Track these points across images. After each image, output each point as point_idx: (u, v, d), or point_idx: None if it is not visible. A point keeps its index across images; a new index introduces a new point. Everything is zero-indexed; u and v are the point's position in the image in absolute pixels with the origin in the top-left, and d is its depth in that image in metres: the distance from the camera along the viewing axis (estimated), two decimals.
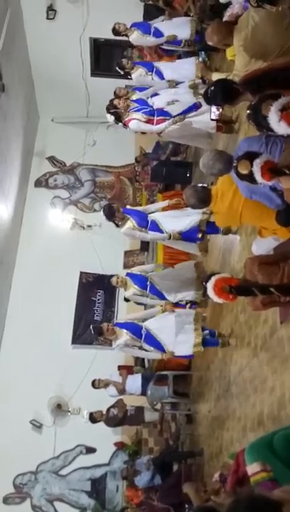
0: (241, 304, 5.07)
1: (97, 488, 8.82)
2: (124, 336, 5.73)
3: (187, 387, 7.35)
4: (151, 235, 5.96)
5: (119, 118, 6.61)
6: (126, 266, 9.50)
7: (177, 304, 6.12)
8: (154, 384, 7.19)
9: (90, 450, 8.98)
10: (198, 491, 4.40)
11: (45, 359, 9.10)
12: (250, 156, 3.08)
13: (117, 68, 7.27)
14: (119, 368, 8.39)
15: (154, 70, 6.90)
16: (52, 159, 11.07)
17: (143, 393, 7.36)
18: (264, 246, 4.04)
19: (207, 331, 5.71)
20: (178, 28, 7.07)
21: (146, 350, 5.86)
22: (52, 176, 11.05)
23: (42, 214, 10.49)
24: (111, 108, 6.75)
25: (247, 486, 2.94)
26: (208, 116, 5.52)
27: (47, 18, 9.31)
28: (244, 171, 3.10)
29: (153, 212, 6.05)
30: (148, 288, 6.12)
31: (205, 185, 4.58)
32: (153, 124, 6.36)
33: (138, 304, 7.02)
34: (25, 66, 10.01)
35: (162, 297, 6.14)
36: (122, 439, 8.76)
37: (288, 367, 3.84)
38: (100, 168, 11.09)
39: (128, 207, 6.53)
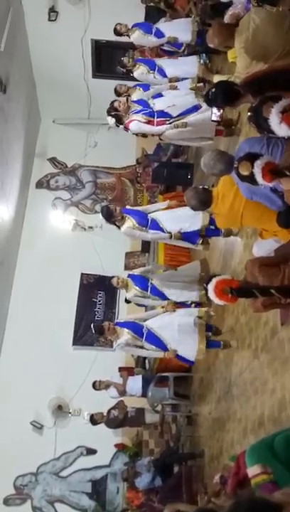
0: (242, 306, 5.07)
1: (98, 489, 8.80)
2: (125, 335, 5.66)
3: (187, 388, 7.35)
4: (151, 234, 5.91)
5: (119, 120, 6.61)
6: (127, 267, 9.50)
7: (180, 304, 6.06)
8: (155, 385, 7.19)
9: (91, 451, 8.96)
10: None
11: (46, 360, 9.10)
12: (251, 157, 3.09)
13: (119, 67, 7.28)
14: (120, 369, 8.38)
15: (156, 68, 6.91)
16: (53, 160, 11.08)
17: (144, 395, 7.35)
18: (264, 248, 4.04)
19: (209, 333, 5.67)
20: (180, 30, 7.07)
21: (147, 350, 5.83)
22: (53, 177, 11.05)
23: (43, 215, 10.50)
24: (111, 111, 6.75)
25: (248, 488, 2.94)
26: (209, 117, 5.52)
27: (49, 20, 9.32)
28: (245, 172, 3.10)
29: (153, 212, 6.03)
30: (149, 289, 6.10)
31: (206, 186, 4.58)
32: (153, 125, 6.35)
33: (139, 305, 7.01)
34: (27, 67, 10.03)
35: (164, 298, 6.09)
36: (123, 440, 8.74)
37: (289, 368, 3.84)
38: (101, 169, 11.10)
39: (128, 207, 6.52)
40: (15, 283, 9.92)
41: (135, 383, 7.50)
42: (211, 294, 4.50)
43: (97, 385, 7.44)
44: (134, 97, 6.87)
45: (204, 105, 5.86)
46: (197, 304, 6.16)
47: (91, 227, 10.23)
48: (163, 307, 5.97)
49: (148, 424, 7.76)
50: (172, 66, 6.89)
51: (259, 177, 3.02)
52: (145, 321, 5.88)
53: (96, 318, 9.70)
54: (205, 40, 4.23)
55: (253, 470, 2.74)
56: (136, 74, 7.06)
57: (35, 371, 9.03)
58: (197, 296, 6.15)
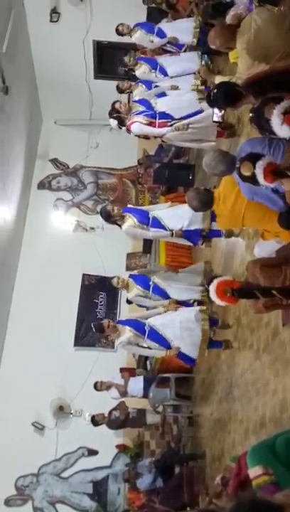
0: (243, 307, 5.06)
1: (99, 490, 8.80)
2: (127, 332, 5.60)
3: (189, 389, 7.34)
4: (152, 232, 5.86)
5: (121, 122, 6.61)
6: (128, 268, 9.50)
7: (182, 303, 6.04)
8: (156, 386, 7.18)
9: (92, 452, 8.96)
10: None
11: (47, 361, 9.10)
12: (253, 158, 3.09)
13: (120, 67, 7.28)
14: (121, 370, 8.38)
15: (158, 67, 6.90)
16: (55, 161, 11.09)
17: (145, 395, 7.35)
18: (266, 248, 4.04)
19: (214, 327, 5.63)
20: (181, 31, 7.08)
21: (149, 348, 5.81)
22: (55, 178, 11.06)
23: (45, 216, 10.50)
24: (113, 113, 6.75)
25: (249, 489, 2.94)
26: (210, 120, 5.52)
27: (51, 21, 9.34)
28: (246, 173, 3.10)
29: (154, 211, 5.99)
30: (151, 288, 6.03)
31: (208, 187, 4.58)
32: (155, 126, 6.36)
33: (141, 306, 6.99)
34: (29, 68, 10.04)
35: (165, 296, 6.01)
36: (124, 441, 8.74)
37: None
38: (103, 170, 11.10)
39: (129, 205, 6.49)
40: (17, 283, 9.93)
41: (136, 384, 7.49)
42: (212, 295, 4.50)
43: (98, 386, 7.44)
44: (136, 94, 6.87)
45: (206, 109, 5.86)
46: (200, 303, 6.11)
47: (92, 228, 10.24)
48: (164, 307, 5.93)
49: (150, 425, 7.75)
50: (173, 64, 6.88)
51: (260, 178, 3.02)
52: (147, 319, 5.85)
53: (97, 319, 9.70)
54: (207, 41, 4.23)
55: (254, 471, 2.74)
56: (137, 73, 7.07)
57: (37, 372, 9.03)
58: (199, 295, 6.09)
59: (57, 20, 9.36)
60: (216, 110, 5.08)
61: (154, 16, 8.24)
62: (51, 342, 9.33)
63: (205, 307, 5.71)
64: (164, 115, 6.34)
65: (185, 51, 7.11)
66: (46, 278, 9.72)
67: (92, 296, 9.89)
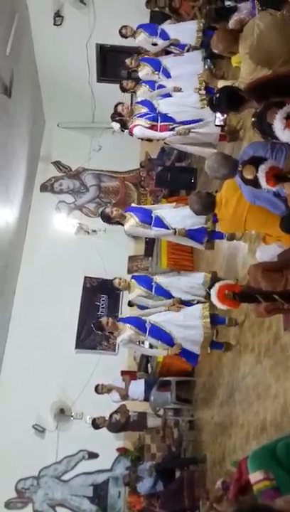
0: (244, 311, 5.06)
1: (99, 493, 8.78)
2: (128, 330, 5.53)
3: (190, 393, 7.33)
4: (155, 231, 5.81)
5: (124, 125, 6.62)
6: (130, 271, 9.50)
7: (185, 303, 5.98)
8: (157, 390, 7.18)
9: (93, 455, 8.95)
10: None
11: (49, 363, 9.10)
12: (255, 161, 3.10)
13: (123, 70, 7.29)
14: (122, 373, 8.37)
15: (161, 68, 6.91)
16: (57, 164, 11.11)
17: (146, 399, 7.34)
18: (268, 253, 4.04)
19: (215, 329, 5.61)
20: (184, 33, 7.08)
21: (150, 347, 5.73)
22: (57, 180, 11.08)
23: (47, 219, 10.52)
24: (116, 116, 6.76)
25: (250, 494, 2.93)
26: (212, 126, 5.52)
27: (54, 24, 9.37)
28: (249, 176, 3.11)
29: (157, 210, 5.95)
30: (154, 288, 5.94)
31: (210, 191, 4.58)
32: (157, 130, 6.36)
33: (142, 308, 6.96)
34: (32, 71, 10.07)
35: (168, 296, 5.92)
36: (125, 444, 8.73)
37: None
38: (105, 173, 11.12)
39: (133, 204, 6.46)
40: (19, 286, 9.94)
41: (137, 387, 7.48)
42: (214, 299, 4.50)
43: (99, 389, 7.43)
44: (140, 94, 6.87)
45: (208, 114, 5.85)
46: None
47: (94, 231, 10.25)
48: (167, 306, 5.81)
49: (150, 429, 7.73)
50: (176, 66, 6.89)
51: (262, 181, 3.03)
52: (148, 316, 5.79)
53: None
54: (210, 45, 4.24)
55: (255, 476, 2.73)
56: (140, 74, 7.07)
57: (38, 374, 9.03)
58: (202, 296, 6.03)
59: (60, 24, 9.39)
60: (218, 114, 5.09)
61: (157, 19, 8.24)
62: (52, 344, 9.33)
63: (207, 304, 5.64)
64: (166, 118, 6.34)
65: (188, 51, 7.12)
66: (48, 280, 9.73)
67: (93, 298, 9.89)
